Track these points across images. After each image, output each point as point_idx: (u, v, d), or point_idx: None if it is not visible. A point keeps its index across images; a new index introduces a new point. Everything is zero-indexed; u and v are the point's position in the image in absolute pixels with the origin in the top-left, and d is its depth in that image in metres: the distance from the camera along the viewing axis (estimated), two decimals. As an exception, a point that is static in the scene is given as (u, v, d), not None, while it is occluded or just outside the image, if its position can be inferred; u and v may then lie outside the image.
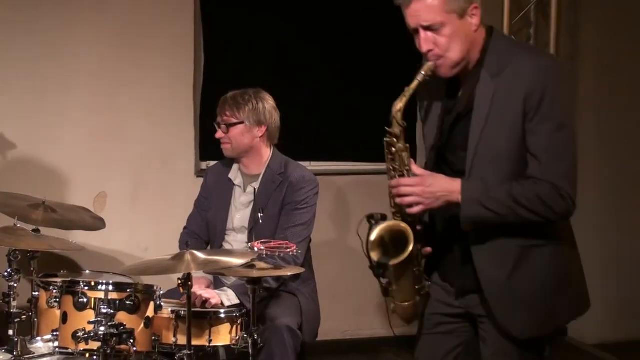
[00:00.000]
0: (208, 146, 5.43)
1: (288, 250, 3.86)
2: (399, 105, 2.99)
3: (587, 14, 6.15)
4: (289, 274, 4.00)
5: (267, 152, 4.44)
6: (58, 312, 3.74)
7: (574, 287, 3.14)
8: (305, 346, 4.30)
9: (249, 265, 3.71)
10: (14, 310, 3.91)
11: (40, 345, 3.83)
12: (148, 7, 5.33)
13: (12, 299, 3.90)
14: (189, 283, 3.49)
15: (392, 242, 3.05)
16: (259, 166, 4.42)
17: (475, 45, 3.03)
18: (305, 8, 5.82)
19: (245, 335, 3.77)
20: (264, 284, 3.91)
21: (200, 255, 3.57)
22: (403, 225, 3.05)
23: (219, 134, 4.40)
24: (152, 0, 5.35)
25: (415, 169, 3.04)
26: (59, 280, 3.90)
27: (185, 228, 4.60)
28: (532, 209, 2.96)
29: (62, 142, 5.19)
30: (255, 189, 4.35)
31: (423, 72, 3.00)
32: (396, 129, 3.01)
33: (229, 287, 4.16)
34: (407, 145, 3.05)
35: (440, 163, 3.15)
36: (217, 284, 4.38)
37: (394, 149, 3.04)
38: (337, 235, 5.78)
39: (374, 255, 3.03)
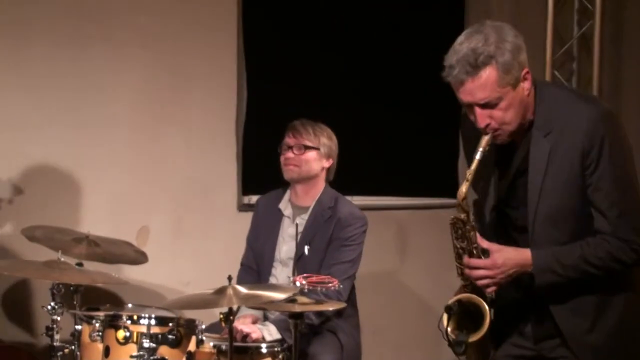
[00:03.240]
0: (251, 180, 5.43)
1: (330, 285, 3.84)
2: (463, 190, 2.97)
3: (630, 48, 6.11)
4: (330, 308, 3.98)
5: (322, 186, 4.44)
6: (100, 346, 3.76)
7: None
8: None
9: (291, 300, 3.70)
10: (57, 344, 3.95)
11: (82, 379, 3.86)
12: (190, 43, 5.36)
13: (55, 332, 3.95)
14: (231, 317, 3.49)
15: (467, 316, 3.04)
16: (311, 198, 4.41)
17: (529, 107, 3.00)
18: (354, 38, 5.69)
19: (287, 371, 3.76)
20: (306, 321, 3.90)
21: (242, 289, 3.57)
22: (477, 299, 3.03)
23: (290, 154, 4.37)
24: (194, 36, 5.37)
25: (482, 242, 3.02)
26: (101, 314, 3.91)
27: (241, 265, 4.58)
28: (604, 267, 2.96)
29: (105, 176, 5.21)
30: (303, 221, 4.35)
31: (481, 149, 2.95)
32: (462, 215, 3.00)
33: (270, 322, 4.15)
34: (474, 225, 3.04)
35: (502, 220, 3.13)
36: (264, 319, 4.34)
37: (460, 231, 3.03)
38: (385, 269, 5.72)
39: (452, 333, 3.02)
